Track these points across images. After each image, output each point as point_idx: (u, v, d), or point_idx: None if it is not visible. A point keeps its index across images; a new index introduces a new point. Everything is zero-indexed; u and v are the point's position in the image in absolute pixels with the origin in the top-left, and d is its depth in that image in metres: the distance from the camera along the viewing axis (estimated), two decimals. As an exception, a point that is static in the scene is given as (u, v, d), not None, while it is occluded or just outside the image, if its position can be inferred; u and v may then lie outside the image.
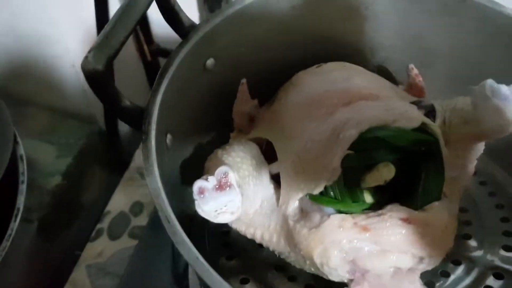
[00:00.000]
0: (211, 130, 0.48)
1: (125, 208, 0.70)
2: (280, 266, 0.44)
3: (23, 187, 0.63)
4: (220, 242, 0.46)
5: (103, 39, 0.34)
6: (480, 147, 0.41)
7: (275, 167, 0.42)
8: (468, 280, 0.42)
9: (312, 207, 0.38)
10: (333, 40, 0.52)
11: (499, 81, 0.37)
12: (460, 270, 0.43)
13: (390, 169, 0.35)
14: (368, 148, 0.35)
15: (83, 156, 0.80)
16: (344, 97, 0.38)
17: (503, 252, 0.44)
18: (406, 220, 0.34)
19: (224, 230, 0.46)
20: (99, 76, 0.34)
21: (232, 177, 0.35)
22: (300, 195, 0.38)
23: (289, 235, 0.38)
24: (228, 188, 0.35)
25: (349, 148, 0.35)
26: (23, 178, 0.63)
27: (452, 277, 0.42)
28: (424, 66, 0.51)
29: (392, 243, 0.34)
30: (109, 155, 0.86)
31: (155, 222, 0.65)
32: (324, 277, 0.38)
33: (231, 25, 0.45)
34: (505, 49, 0.46)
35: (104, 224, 0.68)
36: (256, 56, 0.49)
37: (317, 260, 0.36)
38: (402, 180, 0.37)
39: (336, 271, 0.36)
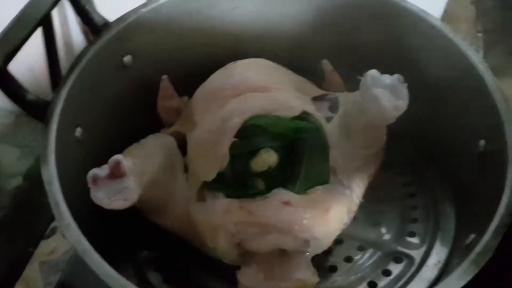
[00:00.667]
0: (135, 127, 0.49)
1: (80, 207, 0.71)
2: (195, 255, 0.45)
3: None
4: (143, 237, 0.47)
5: (2, 37, 0.36)
6: (380, 136, 0.42)
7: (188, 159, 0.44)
8: (369, 264, 0.43)
9: (209, 195, 0.39)
10: (259, 39, 0.53)
11: (414, 73, 0.39)
12: (365, 255, 0.44)
13: (271, 154, 0.37)
14: (251, 135, 0.37)
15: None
16: (236, 90, 0.40)
17: (408, 238, 0.45)
18: (288, 203, 0.36)
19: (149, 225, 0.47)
20: (-2, 72, 0.36)
21: (126, 165, 0.37)
22: (199, 183, 0.40)
23: (192, 222, 0.40)
24: (120, 176, 0.37)
25: (235, 136, 0.37)
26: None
27: (355, 261, 0.43)
28: (344, 63, 0.52)
29: (273, 225, 0.36)
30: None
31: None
32: (224, 261, 0.40)
33: (147, 23, 0.47)
34: (414, 44, 0.48)
35: (58, 222, 0.69)
36: (179, 54, 0.51)
37: (210, 244, 0.38)
38: (289, 167, 0.38)
39: (227, 255, 0.38)
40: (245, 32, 0.53)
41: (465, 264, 0.33)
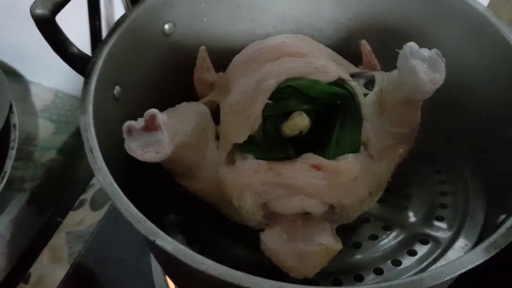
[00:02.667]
0: (172, 95, 0.50)
1: (109, 182, 0.72)
2: (219, 221, 0.45)
3: (12, 153, 0.67)
4: (172, 200, 0.48)
5: (52, -14, 0.38)
6: (414, 115, 0.42)
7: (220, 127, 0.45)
8: (394, 243, 0.43)
9: (239, 157, 0.40)
10: (295, 19, 0.54)
11: (453, 58, 0.39)
12: (390, 235, 0.44)
13: (303, 118, 0.37)
14: (285, 97, 0.37)
15: (78, 135, 0.84)
16: (273, 54, 0.41)
17: (436, 222, 0.44)
18: (316, 167, 0.36)
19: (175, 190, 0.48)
20: (45, 21, 0.38)
21: (160, 119, 0.37)
22: (230, 146, 0.40)
23: (219, 185, 0.41)
24: (155, 129, 0.37)
25: (270, 98, 0.37)
26: (13, 144, 0.67)
27: (380, 240, 0.43)
28: (386, 47, 0.52)
29: (300, 187, 0.36)
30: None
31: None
32: (248, 224, 0.40)
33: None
34: (455, 29, 0.47)
35: (88, 195, 0.72)
36: (218, 29, 0.52)
37: (236, 204, 0.38)
38: (321, 134, 0.38)
39: (252, 215, 0.38)
40: (284, 11, 0.53)
41: (494, 236, 0.32)
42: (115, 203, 0.33)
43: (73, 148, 0.82)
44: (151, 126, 0.37)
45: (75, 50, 0.40)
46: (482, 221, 0.43)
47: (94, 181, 0.75)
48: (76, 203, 0.72)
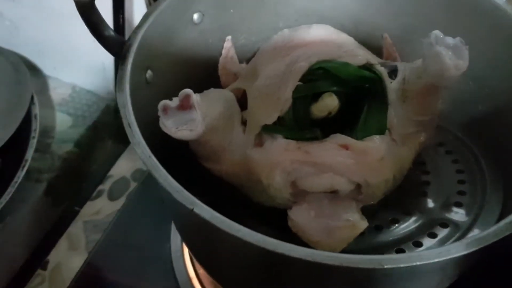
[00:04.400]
0: (198, 82, 0.52)
1: (127, 173, 0.75)
2: (244, 204, 0.46)
3: (33, 142, 0.68)
4: (197, 183, 0.49)
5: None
6: (435, 102, 0.44)
7: (246, 113, 0.46)
8: (414, 227, 0.44)
9: (267, 137, 0.41)
10: (318, 13, 0.56)
11: (471, 52, 0.40)
12: (410, 220, 0.45)
13: (333, 99, 0.38)
14: (315, 79, 0.39)
15: (95, 128, 0.86)
16: (303, 41, 0.42)
17: (455, 208, 0.46)
18: (344, 146, 0.38)
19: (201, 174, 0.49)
20: (86, 6, 0.39)
21: (194, 99, 0.39)
22: (259, 127, 0.42)
23: (247, 165, 0.42)
24: (189, 108, 0.39)
25: (300, 80, 0.39)
26: (34, 134, 0.69)
27: (401, 223, 0.44)
28: (404, 41, 0.54)
29: (329, 166, 0.38)
30: (119, 128, 0.91)
31: (147, 183, 0.69)
32: (274, 204, 0.41)
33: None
34: (471, 23, 0.49)
35: (106, 186, 0.73)
36: (244, 21, 0.54)
37: (265, 181, 0.39)
38: (349, 116, 0.40)
39: (281, 193, 0.39)
40: (307, 5, 0.55)
41: (508, 219, 0.33)
42: (154, 174, 0.35)
43: (90, 141, 0.84)
44: (186, 105, 0.39)
45: (112, 33, 0.42)
46: (500, 210, 0.45)
47: (111, 172, 0.76)
48: (94, 194, 0.73)
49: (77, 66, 0.88)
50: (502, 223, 0.32)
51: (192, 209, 0.32)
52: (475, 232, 0.44)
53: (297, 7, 0.55)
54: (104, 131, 0.87)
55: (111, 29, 0.42)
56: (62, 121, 0.86)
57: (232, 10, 0.53)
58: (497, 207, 0.46)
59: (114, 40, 0.42)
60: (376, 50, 0.53)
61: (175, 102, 0.39)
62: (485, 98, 0.50)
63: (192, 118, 0.39)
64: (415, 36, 0.53)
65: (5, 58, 0.75)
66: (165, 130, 0.39)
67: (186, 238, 0.48)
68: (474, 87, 0.49)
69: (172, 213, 0.45)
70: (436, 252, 0.30)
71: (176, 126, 0.39)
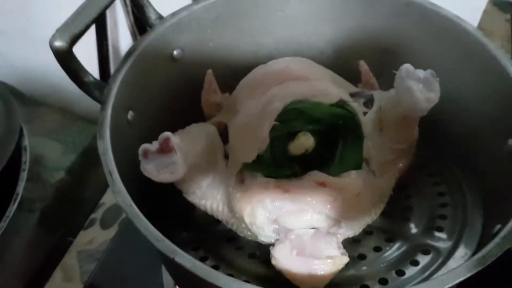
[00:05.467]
0: (181, 117, 0.53)
1: (118, 201, 0.75)
2: (230, 237, 0.47)
3: (23, 175, 0.69)
4: (183, 218, 0.50)
5: (68, 21, 0.41)
6: (411, 131, 0.45)
7: (228, 147, 0.47)
8: (397, 254, 0.45)
9: (248, 175, 0.42)
10: (297, 41, 0.57)
11: (445, 75, 0.41)
12: (394, 247, 0.46)
13: (308, 138, 0.39)
14: (290, 119, 0.40)
15: (86, 155, 0.86)
16: (278, 78, 0.43)
17: (436, 233, 0.47)
18: (322, 184, 0.39)
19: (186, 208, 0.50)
20: (63, 52, 0.40)
21: (173, 141, 0.40)
22: (239, 165, 0.42)
23: (229, 202, 0.43)
24: (169, 151, 0.40)
25: (276, 120, 0.40)
26: (25, 166, 0.69)
27: (384, 251, 0.45)
28: (383, 65, 0.55)
29: (308, 203, 0.39)
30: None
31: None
32: (258, 240, 0.42)
33: (197, 19, 0.50)
34: (447, 48, 0.50)
35: (98, 214, 0.74)
36: (224, 51, 0.54)
37: (247, 220, 0.40)
38: (325, 152, 0.41)
39: (263, 231, 0.40)
40: (285, 34, 0.56)
41: (490, 245, 0.34)
42: (135, 223, 0.35)
43: (81, 168, 0.84)
44: (166, 149, 0.40)
45: (91, 78, 0.43)
46: (480, 231, 0.46)
47: (103, 200, 0.77)
48: (86, 222, 0.74)
49: (66, 93, 0.89)
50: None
51: (173, 258, 0.33)
52: (456, 256, 0.45)
53: (276, 36, 0.56)
54: (95, 157, 0.87)
55: (91, 74, 0.43)
56: (53, 149, 0.86)
57: (211, 44, 0.53)
58: (478, 228, 0.47)
59: (94, 85, 0.43)
60: (355, 75, 0.54)
61: (154, 146, 0.40)
62: (463, 121, 0.51)
63: (172, 161, 0.40)
64: (394, 61, 0.54)
65: (-7, 91, 0.75)
66: (146, 174, 0.40)
67: (172, 276, 0.49)
68: (452, 110, 0.50)
69: (157, 255, 0.46)
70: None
71: (157, 170, 0.40)
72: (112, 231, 0.72)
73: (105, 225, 0.73)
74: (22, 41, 0.82)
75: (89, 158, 0.86)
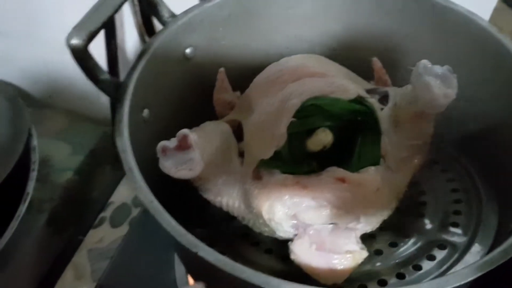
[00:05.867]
0: (194, 114, 0.53)
1: (127, 200, 0.75)
2: (245, 234, 0.48)
3: (33, 175, 0.69)
4: (198, 215, 0.50)
5: (85, 19, 0.41)
6: (427, 127, 0.45)
7: (243, 144, 0.47)
8: (413, 249, 0.45)
9: (265, 172, 0.42)
10: (308, 39, 0.57)
11: (459, 72, 0.41)
12: (409, 242, 0.46)
13: (327, 134, 0.40)
14: (308, 115, 0.40)
15: (94, 155, 0.86)
16: (294, 75, 0.44)
17: (452, 229, 0.47)
18: (341, 179, 0.39)
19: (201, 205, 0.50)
20: (80, 49, 0.40)
21: (191, 139, 0.40)
22: (256, 161, 0.43)
23: (246, 198, 0.43)
24: (187, 148, 0.40)
25: (294, 116, 0.40)
26: (34, 166, 0.69)
27: (400, 247, 0.45)
28: (395, 63, 0.55)
29: (327, 199, 0.39)
30: (117, 154, 0.92)
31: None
32: (275, 236, 0.42)
33: (210, 17, 0.51)
34: (459, 45, 0.50)
35: (107, 213, 0.74)
36: (236, 50, 0.55)
37: (265, 216, 0.40)
38: (343, 148, 0.41)
39: (281, 226, 0.40)
40: (297, 32, 0.56)
41: (508, 243, 0.34)
42: (158, 218, 0.35)
43: (89, 168, 0.84)
44: (184, 145, 0.40)
45: (107, 76, 0.43)
46: (496, 227, 0.46)
47: (112, 199, 0.77)
48: (96, 221, 0.74)
49: (72, 94, 0.89)
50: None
51: (197, 253, 0.33)
52: (473, 251, 0.45)
53: (287, 34, 0.57)
54: (102, 157, 0.87)
55: (106, 72, 0.43)
56: (61, 150, 0.86)
57: (223, 42, 0.54)
58: (493, 224, 0.47)
59: (109, 82, 0.43)
60: (367, 73, 0.55)
61: (173, 142, 0.40)
62: (476, 117, 0.51)
63: (190, 157, 0.40)
64: (405, 58, 0.54)
65: (1, 92, 0.75)
66: (164, 170, 0.40)
67: (191, 271, 0.49)
68: (465, 106, 0.50)
69: (176, 250, 0.46)
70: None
71: (175, 166, 0.40)
72: (122, 230, 0.72)
73: (114, 224, 0.73)
74: (26, 42, 0.82)
75: (97, 158, 0.86)
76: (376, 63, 0.52)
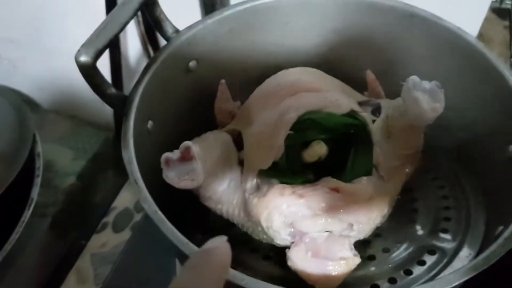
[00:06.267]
0: (196, 124, 0.55)
1: (130, 204, 0.77)
2: (245, 240, 0.50)
3: (37, 180, 0.71)
4: (199, 222, 0.53)
5: (93, 37, 0.43)
6: (418, 138, 0.47)
7: (242, 153, 0.50)
8: (405, 255, 0.47)
9: (263, 181, 0.45)
10: (305, 51, 0.59)
11: (448, 84, 0.43)
12: (401, 247, 0.48)
13: (322, 146, 0.42)
14: (304, 129, 0.43)
15: (96, 160, 0.88)
16: (291, 90, 0.46)
17: (441, 234, 0.49)
18: (335, 189, 0.41)
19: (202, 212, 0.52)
20: (88, 66, 0.42)
21: (194, 150, 0.42)
22: (255, 171, 0.45)
23: (246, 206, 0.45)
24: (190, 159, 0.42)
25: (291, 129, 0.43)
26: (38, 172, 0.71)
27: (392, 252, 0.48)
28: (388, 75, 0.58)
29: (322, 208, 0.41)
30: (119, 159, 0.94)
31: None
32: (274, 243, 0.45)
33: (211, 32, 0.53)
34: (449, 58, 0.53)
35: (110, 218, 0.76)
36: (237, 63, 0.57)
37: (264, 224, 0.43)
38: (337, 159, 0.43)
39: (279, 234, 0.43)
40: (295, 44, 0.59)
41: (493, 246, 0.37)
42: (161, 228, 0.38)
43: (92, 173, 0.86)
44: (187, 157, 0.42)
45: (113, 90, 0.45)
46: (483, 232, 0.48)
47: (115, 204, 0.79)
48: (99, 226, 0.76)
49: (75, 100, 0.91)
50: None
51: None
52: (461, 256, 0.47)
53: (285, 47, 0.59)
54: (104, 162, 0.89)
55: (113, 86, 0.45)
56: (64, 155, 0.88)
57: (224, 55, 0.56)
58: (481, 230, 0.49)
59: (116, 97, 0.45)
60: (361, 83, 0.57)
61: (176, 154, 0.42)
62: (465, 128, 0.53)
63: (193, 168, 0.42)
64: (399, 70, 0.57)
65: (6, 99, 0.77)
66: (168, 181, 0.42)
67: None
68: (455, 117, 0.52)
69: (177, 256, 0.48)
70: None
71: (178, 177, 0.42)
72: (124, 235, 0.74)
73: (117, 229, 0.75)
74: (33, 51, 0.84)
75: (99, 163, 0.87)
76: (370, 75, 0.54)
